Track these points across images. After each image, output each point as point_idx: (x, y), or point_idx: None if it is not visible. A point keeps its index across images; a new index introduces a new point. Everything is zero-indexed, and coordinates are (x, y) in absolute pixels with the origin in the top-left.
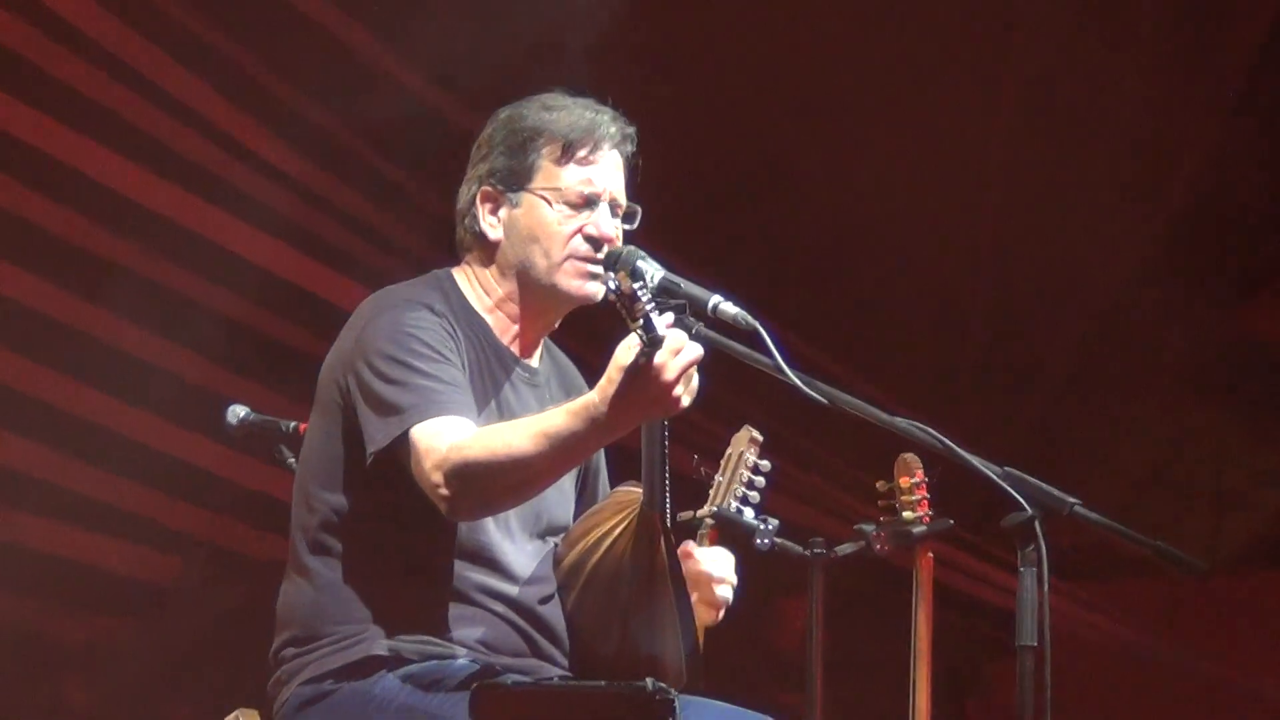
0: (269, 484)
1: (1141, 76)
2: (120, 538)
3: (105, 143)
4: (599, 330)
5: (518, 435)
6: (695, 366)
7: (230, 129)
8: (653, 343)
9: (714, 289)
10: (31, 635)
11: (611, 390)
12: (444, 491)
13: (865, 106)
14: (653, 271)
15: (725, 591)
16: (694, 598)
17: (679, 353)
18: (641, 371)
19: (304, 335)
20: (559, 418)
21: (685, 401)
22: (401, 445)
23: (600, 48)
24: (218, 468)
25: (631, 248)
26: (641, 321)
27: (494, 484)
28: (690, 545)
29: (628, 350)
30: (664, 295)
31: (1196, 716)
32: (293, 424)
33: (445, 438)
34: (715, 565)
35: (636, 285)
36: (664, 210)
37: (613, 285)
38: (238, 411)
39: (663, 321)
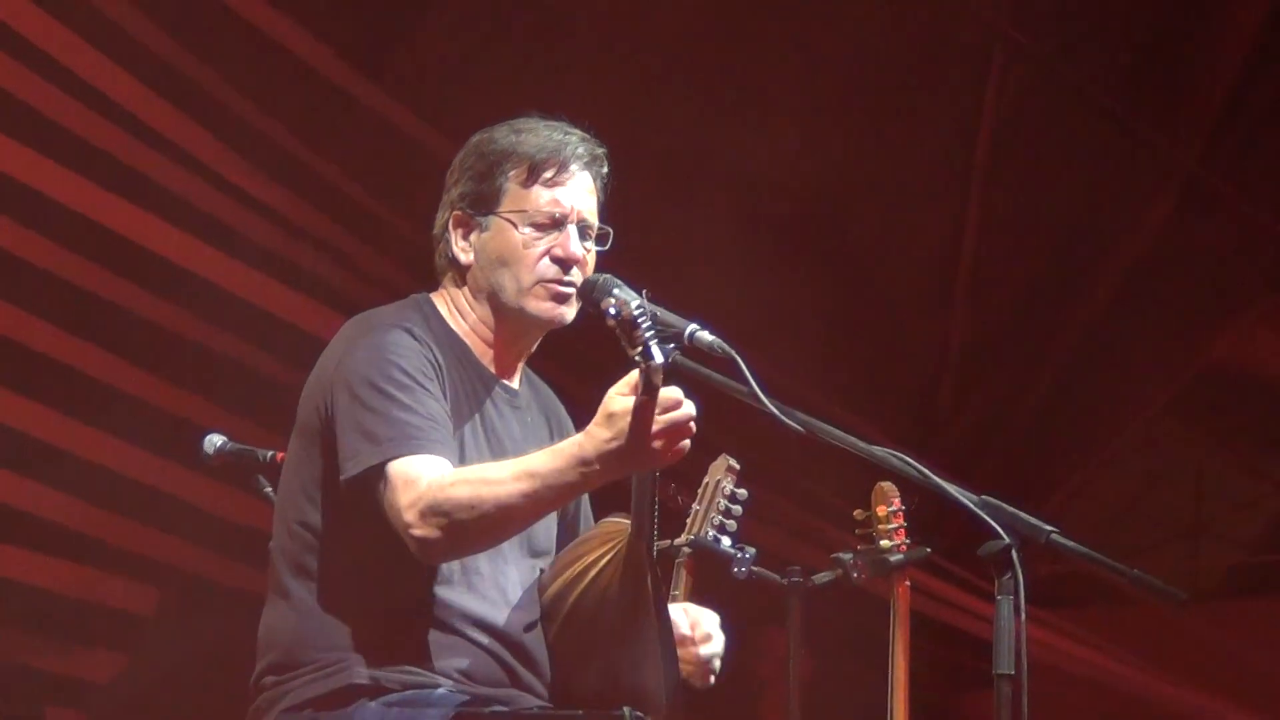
0: (247, 514)
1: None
2: (97, 568)
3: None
4: (588, 359)
5: (501, 475)
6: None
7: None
8: (650, 371)
9: (690, 317)
10: (12, 666)
11: (601, 437)
12: (417, 532)
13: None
14: (628, 299)
15: (712, 648)
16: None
17: (669, 409)
18: (632, 423)
19: (281, 364)
20: (545, 459)
21: (681, 451)
22: (375, 476)
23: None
24: (195, 497)
25: (607, 275)
26: (640, 350)
27: (474, 524)
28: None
29: (618, 398)
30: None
31: None
32: (270, 453)
33: (423, 477)
34: (698, 628)
35: (637, 313)
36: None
37: (613, 312)
38: (214, 441)
39: (662, 350)
